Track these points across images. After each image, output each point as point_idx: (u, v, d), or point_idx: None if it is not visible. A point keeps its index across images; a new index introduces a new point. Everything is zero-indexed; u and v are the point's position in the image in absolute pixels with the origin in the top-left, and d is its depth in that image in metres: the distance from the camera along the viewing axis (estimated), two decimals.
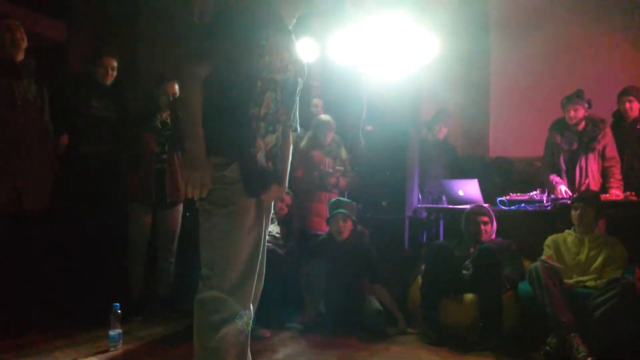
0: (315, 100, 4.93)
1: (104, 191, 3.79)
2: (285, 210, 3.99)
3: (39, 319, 3.51)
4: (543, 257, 3.38)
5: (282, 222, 4.02)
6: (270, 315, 3.47)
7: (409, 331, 3.58)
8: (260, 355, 3.00)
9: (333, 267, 3.66)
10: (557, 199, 3.91)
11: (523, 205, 3.96)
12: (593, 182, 4.06)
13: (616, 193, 3.91)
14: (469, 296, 3.47)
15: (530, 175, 4.78)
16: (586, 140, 4.08)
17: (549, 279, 3.07)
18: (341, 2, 4.66)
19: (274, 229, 3.88)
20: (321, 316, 3.65)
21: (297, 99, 2.13)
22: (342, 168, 4.31)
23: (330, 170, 4.25)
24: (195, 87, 1.88)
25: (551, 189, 4.07)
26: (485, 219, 3.74)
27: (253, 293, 1.98)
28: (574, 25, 4.99)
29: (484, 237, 3.70)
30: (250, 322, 1.98)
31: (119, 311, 3.07)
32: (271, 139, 2.01)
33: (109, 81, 3.94)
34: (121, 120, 3.89)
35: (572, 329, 2.92)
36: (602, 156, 4.09)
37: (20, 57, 3.41)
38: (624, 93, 4.19)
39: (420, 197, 4.60)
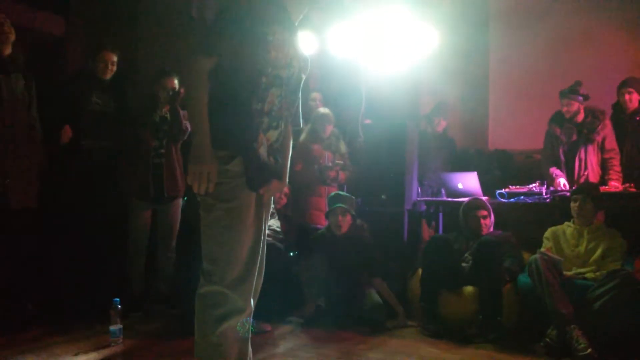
0: (314, 94, 4.92)
1: (104, 186, 3.79)
2: (284, 199, 3.99)
3: (39, 314, 3.52)
4: (542, 249, 3.39)
5: (282, 216, 4.02)
6: (271, 309, 3.47)
7: (409, 324, 3.60)
8: (261, 349, 3.01)
9: (332, 261, 3.67)
10: (556, 191, 3.91)
11: (522, 197, 3.97)
12: (592, 173, 4.07)
13: (615, 185, 3.92)
14: (469, 289, 3.48)
15: (530, 168, 4.78)
16: (585, 132, 4.09)
17: (549, 271, 3.08)
18: None
19: (274, 223, 3.88)
20: (321, 310, 3.65)
21: (300, 94, 2.13)
22: (341, 162, 4.31)
23: (330, 164, 4.25)
24: (202, 81, 1.88)
25: (551, 181, 4.08)
26: (484, 212, 3.74)
27: (253, 287, 1.99)
28: (573, 18, 4.97)
29: (484, 231, 3.71)
30: (251, 316, 1.99)
31: (119, 306, 3.07)
32: (273, 134, 2.02)
33: (109, 76, 3.93)
34: (120, 116, 3.88)
35: (571, 321, 2.93)
36: (602, 148, 4.10)
37: (8, 51, 3.37)
38: (624, 85, 4.18)
39: (419, 190, 4.60)
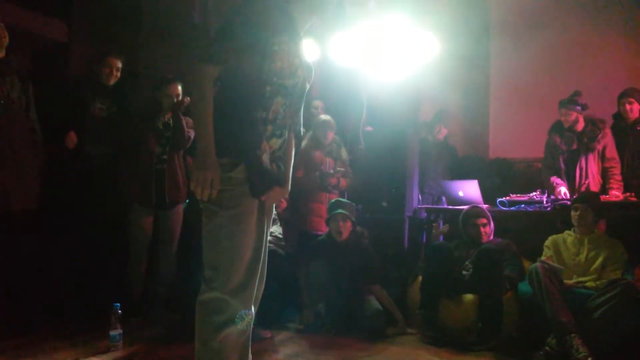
0: (316, 102, 4.94)
1: (105, 190, 3.80)
2: (284, 203, 4.00)
3: (39, 319, 3.51)
4: (543, 258, 3.39)
5: (282, 222, 4.02)
6: (271, 315, 3.48)
7: (409, 331, 3.59)
8: (261, 355, 3.01)
9: (333, 267, 3.67)
10: (556, 199, 3.92)
11: (523, 206, 3.97)
12: (593, 182, 4.08)
13: (616, 194, 3.92)
14: (469, 297, 3.48)
15: (530, 176, 4.80)
16: (586, 141, 4.10)
17: (549, 280, 3.08)
18: (341, 3, 4.66)
19: (276, 229, 3.88)
20: (321, 317, 3.65)
21: (303, 103, 2.14)
22: (342, 169, 4.32)
23: (331, 171, 4.26)
24: (207, 89, 1.89)
25: (551, 190, 4.09)
26: (484, 220, 3.75)
27: (254, 294, 1.99)
28: (573, 28, 4.99)
29: (484, 239, 3.71)
30: (252, 323, 1.99)
31: (120, 311, 3.07)
32: (276, 142, 2.03)
33: (113, 82, 3.95)
34: (123, 121, 3.90)
35: (571, 330, 2.93)
36: (602, 157, 4.11)
37: (1, 54, 3.38)
38: (624, 95, 4.20)
39: (420, 197, 4.61)
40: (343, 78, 5.13)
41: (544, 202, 3.90)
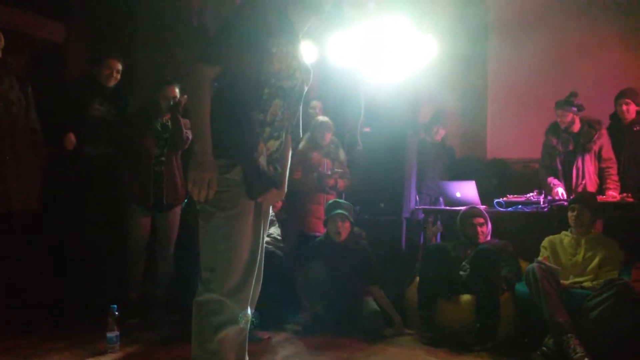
0: (314, 103, 4.94)
1: (104, 192, 3.81)
2: (280, 203, 4.00)
3: (36, 320, 3.51)
4: (540, 259, 3.40)
5: (280, 222, 4.02)
6: (269, 317, 3.48)
7: (407, 332, 3.60)
8: (259, 356, 3.01)
9: (331, 268, 3.67)
10: (553, 200, 3.93)
11: (520, 206, 3.98)
12: (590, 183, 4.09)
13: (613, 194, 3.93)
14: (466, 297, 3.49)
15: (528, 177, 4.81)
16: (582, 142, 4.11)
17: (546, 280, 3.09)
18: (340, 4, 4.68)
19: (274, 230, 3.88)
20: (319, 318, 3.65)
21: (301, 105, 2.15)
22: (340, 170, 4.32)
23: (329, 172, 4.26)
24: (205, 90, 1.89)
25: (549, 191, 4.10)
26: (481, 220, 3.76)
27: (251, 295, 1.99)
28: (571, 29, 5.00)
29: (481, 239, 3.72)
30: (249, 324, 2.00)
31: (117, 313, 3.07)
32: (274, 144, 2.03)
33: (112, 84, 3.96)
34: (122, 123, 3.90)
35: (568, 330, 2.94)
36: (599, 157, 4.12)
37: None
38: (621, 95, 4.21)
39: (417, 198, 4.61)
40: (341, 79, 5.14)
41: (541, 203, 3.91)
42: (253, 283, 1.99)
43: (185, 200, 3.93)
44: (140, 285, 3.83)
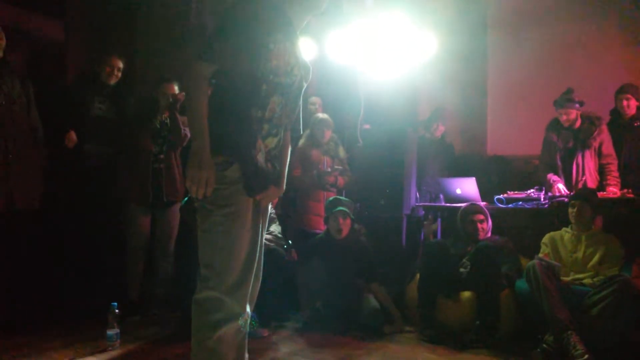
0: (314, 99, 4.94)
1: (104, 191, 3.81)
2: (275, 200, 3.99)
3: (36, 318, 3.52)
4: (540, 255, 3.40)
5: (279, 220, 4.02)
6: (269, 314, 3.48)
7: (407, 329, 3.59)
8: (259, 354, 3.00)
9: (331, 265, 3.67)
10: (554, 196, 3.92)
11: (520, 203, 3.97)
12: (590, 179, 4.08)
13: (613, 190, 3.92)
14: (466, 294, 3.48)
15: (528, 173, 4.79)
16: (582, 138, 4.10)
17: (546, 277, 3.08)
18: (338, 1, 4.67)
19: (275, 228, 3.87)
20: (319, 315, 3.65)
21: (300, 102, 2.14)
22: (340, 167, 4.32)
23: (329, 170, 4.26)
24: (201, 87, 1.88)
25: (549, 187, 4.09)
26: (481, 217, 3.75)
27: (250, 293, 1.99)
28: (571, 24, 4.99)
29: (481, 235, 3.71)
30: (248, 322, 1.99)
31: (117, 311, 3.07)
32: (272, 141, 2.02)
33: (113, 82, 3.97)
34: (122, 121, 3.90)
35: (569, 327, 2.92)
36: (599, 153, 4.11)
37: (0, 55, 3.39)
38: (621, 91, 4.20)
39: (417, 195, 4.60)
40: (341, 76, 5.13)
41: (542, 199, 3.90)
42: (252, 281, 1.99)
43: (185, 199, 3.93)
44: (141, 283, 3.83)
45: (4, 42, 3.40)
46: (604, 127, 4.11)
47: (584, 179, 4.07)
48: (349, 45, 4.33)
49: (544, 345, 3.02)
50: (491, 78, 5.43)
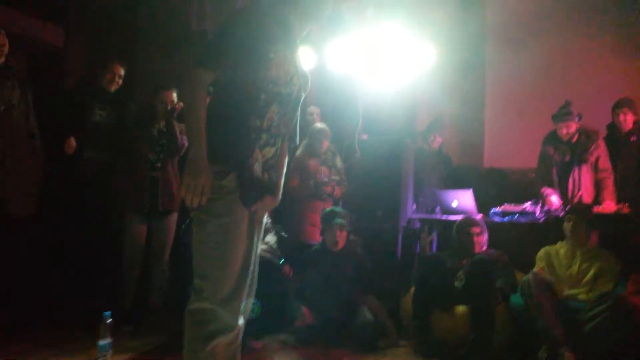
0: (312, 108, 4.94)
1: (100, 198, 3.79)
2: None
3: (28, 326, 3.49)
4: (535, 270, 3.39)
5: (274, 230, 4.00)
6: (262, 326, 3.45)
7: (401, 343, 3.56)
8: None
9: (326, 277, 3.65)
10: (549, 211, 3.91)
11: (516, 217, 3.96)
12: (586, 194, 4.07)
13: (609, 205, 3.91)
14: (461, 308, 3.46)
15: (525, 186, 4.79)
16: (579, 152, 4.10)
17: (541, 292, 3.08)
18: (338, 11, 4.68)
19: (271, 239, 3.85)
20: (313, 327, 3.62)
21: (298, 112, 2.13)
22: (337, 177, 4.31)
23: (326, 180, 4.25)
24: (200, 95, 1.87)
25: (543, 201, 4.08)
26: (477, 229, 3.74)
27: (244, 305, 1.97)
28: (569, 37, 5.01)
29: (477, 248, 3.70)
30: (241, 334, 1.97)
31: (110, 320, 3.04)
32: (270, 150, 2.02)
33: (114, 88, 3.97)
34: (121, 128, 3.90)
35: (563, 343, 2.92)
36: (595, 168, 4.10)
37: (1, 60, 3.39)
38: (618, 105, 4.20)
39: (414, 207, 4.59)
40: (339, 85, 5.13)
41: (537, 213, 3.89)
42: (246, 292, 1.97)
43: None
44: (135, 292, 3.80)
45: (6, 47, 3.40)
46: (601, 142, 4.11)
47: (579, 193, 4.07)
48: (348, 55, 4.34)
49: None
50: (489, 90, 5.44)
